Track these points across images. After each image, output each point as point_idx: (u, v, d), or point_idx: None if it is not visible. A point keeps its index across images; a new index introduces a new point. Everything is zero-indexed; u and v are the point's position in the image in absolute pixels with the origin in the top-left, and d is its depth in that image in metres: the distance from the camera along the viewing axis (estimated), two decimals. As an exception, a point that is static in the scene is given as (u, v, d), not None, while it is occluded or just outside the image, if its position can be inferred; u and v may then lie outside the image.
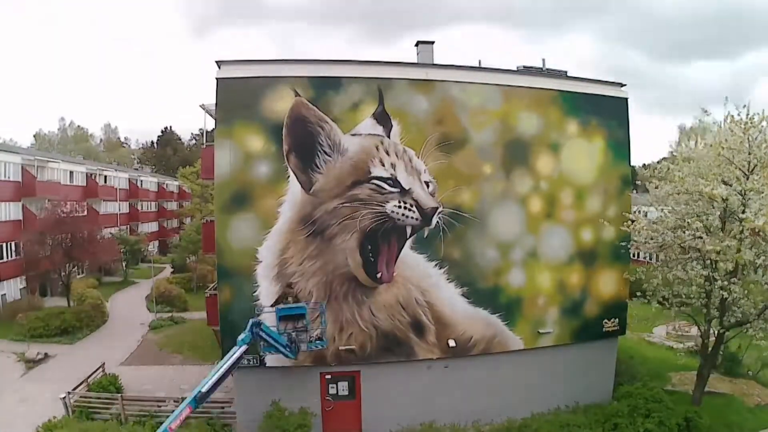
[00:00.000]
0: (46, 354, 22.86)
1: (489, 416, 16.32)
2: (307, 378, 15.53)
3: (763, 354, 19.53)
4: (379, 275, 15.29)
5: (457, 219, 15.77)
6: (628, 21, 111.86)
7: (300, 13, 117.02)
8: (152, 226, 59.55)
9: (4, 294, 30.68)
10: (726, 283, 14.33)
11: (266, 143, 14.69)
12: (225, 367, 12.26)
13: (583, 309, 17.34)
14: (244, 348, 12.71)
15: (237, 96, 14.73)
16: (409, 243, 15.48)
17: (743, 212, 13.99)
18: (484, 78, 16.33)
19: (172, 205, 66.38)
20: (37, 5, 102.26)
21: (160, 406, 17.00)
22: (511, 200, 16.43)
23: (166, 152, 78.89)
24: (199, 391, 11.76)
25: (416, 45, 17.89)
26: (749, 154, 14.45)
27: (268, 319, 13.88)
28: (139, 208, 56.10)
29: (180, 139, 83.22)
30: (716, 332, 16.14)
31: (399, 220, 15.23)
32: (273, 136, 14.68)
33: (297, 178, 14.83)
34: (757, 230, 13.90)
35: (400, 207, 15.16)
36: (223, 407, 16.69)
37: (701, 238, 14.53)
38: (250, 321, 13.12)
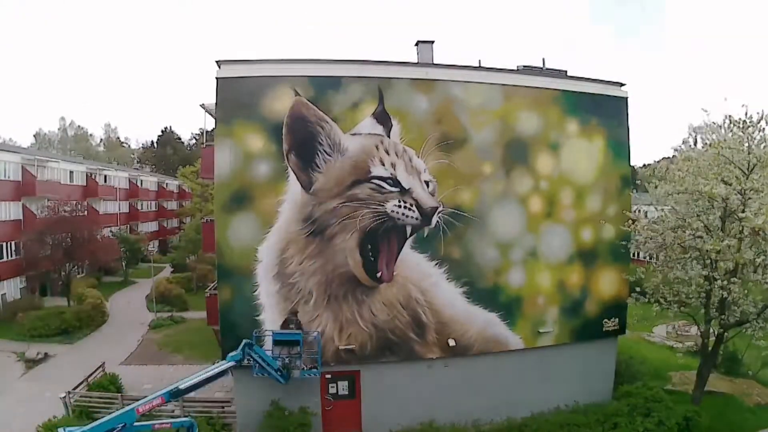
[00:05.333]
0: (46, 354, 22.91)
1: (489, 416, 16.31)
2: (306, 377, 15.51)
3: (762, 354, 19.50)
4: (379, 275, 15.29)
5: (457, 218, 15.76)
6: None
7: (300, 12, 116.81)
8: (152, 226, 59.53)
9: (4, 294, 30.68)
10: (726, 282, 14.31)
11: (266, 143, 14.68)
12: (207, 375, 12.70)
13: (583, 308, 17.34)
14: (231, 364, 13.20)
15: (237, 95, 14.71)
16: (409, 242, 15.47)
17: (743, 211, 13.97)
18: (484, 77, 16.31)
19: (172, 205, 66.39)
20: (38, 5, 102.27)
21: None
22: (511, 200, 16.42)
23: (166, 152, 78.95)
24: (177, 388, 12.14)
25: (416, 45, 17.85)
26: (749, 153, 14.45)
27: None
28: (139, 207, 56.11)
29: (180, 139, 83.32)
30: (716, 332, 16.14)
31: (399, 219, 15.22)
32: (273, 136, 14.67)
33: (297, 177, 14.82)
34: (756, 229, 13.89)
35: (400, 206, 15.15)
36: (223, 407, 16.70)
37: (701, 237, 14.54)
38: (243, 341, 13.50)
